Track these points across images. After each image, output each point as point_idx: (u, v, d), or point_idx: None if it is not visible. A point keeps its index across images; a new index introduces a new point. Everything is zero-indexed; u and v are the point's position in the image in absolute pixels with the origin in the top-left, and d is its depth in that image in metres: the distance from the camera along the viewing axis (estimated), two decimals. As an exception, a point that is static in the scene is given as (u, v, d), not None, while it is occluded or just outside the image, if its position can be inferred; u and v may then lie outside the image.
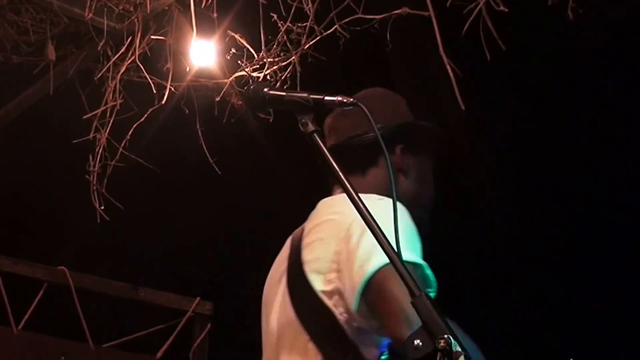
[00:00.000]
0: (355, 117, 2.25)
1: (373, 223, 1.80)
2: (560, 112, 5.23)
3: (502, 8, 3.38)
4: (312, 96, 1.98)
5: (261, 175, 5.66)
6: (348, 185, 1.87)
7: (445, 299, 1.96)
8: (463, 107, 3.25)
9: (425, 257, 2.18)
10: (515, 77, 5.05)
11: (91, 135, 4.49)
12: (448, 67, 3.36)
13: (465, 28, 3.41)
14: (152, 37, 4.41)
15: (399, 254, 1.78)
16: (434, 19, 3.46)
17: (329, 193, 2.45)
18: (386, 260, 1.81)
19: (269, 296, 2.37)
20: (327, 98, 1.97)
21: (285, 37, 4.19)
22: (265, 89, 2.05)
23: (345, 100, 1.95)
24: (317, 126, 1.97)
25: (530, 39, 4.57)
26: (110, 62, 4.44)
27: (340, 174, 1.89)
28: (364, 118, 1.95)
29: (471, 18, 3.41)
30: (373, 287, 2.06)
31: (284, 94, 2.03)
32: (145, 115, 4.42)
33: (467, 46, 3.49)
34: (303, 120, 1.96)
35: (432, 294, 2.07)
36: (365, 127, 2.38)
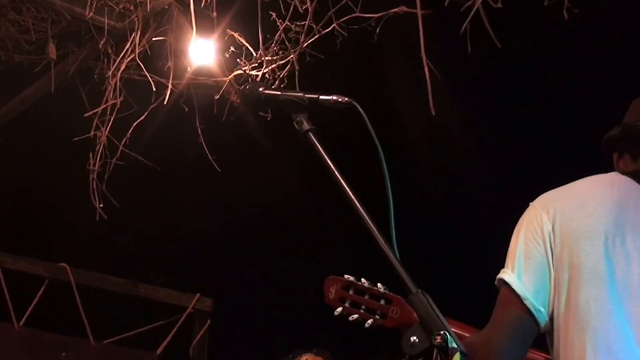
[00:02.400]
0: None
1: (369, 221, 1.84)
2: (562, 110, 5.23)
3: (499, 5, 3.39)
4: (307, 95, 1.98)
5: (260, 172, 5.65)
6: (345, 185, 1.89)
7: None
8: (433, 113, 3.26)
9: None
10: (513, 74, 5.05)
11: (91, 133, 4.49)
12: (426, 68, 3.37)
13: (469, 27, 3.41)
14: (153, 38, 4.42)
15: (393, 250, 1.80)
16: (420, 18, 3.48)
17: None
18: None
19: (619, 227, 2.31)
20: (322, 97, 1.98)
21: (283, 36, 4.20)
22: (261, 89, 2.05)
23: (340, 100, 1.96)
24: (312, 125, 1.97)
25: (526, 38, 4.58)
26: (115, 63, 4.44)
27: (337, 172, 1.90)
28: None
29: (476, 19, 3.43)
30: None
31: (279, 93, 2.03)
32: (146, 114, 4.43)
33: (465, 44, 3.50)
34: (298, 119, 1.97)
35: None
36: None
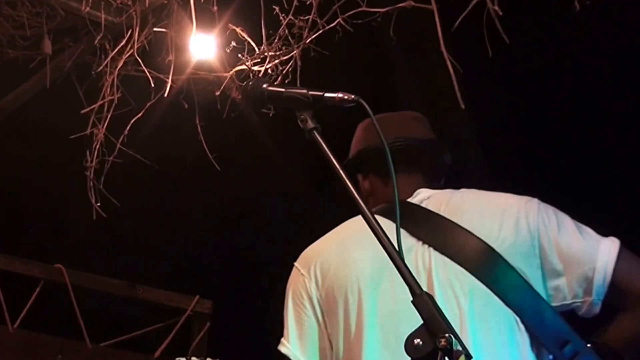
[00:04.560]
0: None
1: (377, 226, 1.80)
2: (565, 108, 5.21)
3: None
4: (311, 92, 1.94)
5: (261, 171, 5.66)
6: (350, 185, 1.85)
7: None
8: (463, 106, 3.20)
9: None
10: (520, 70, 5.02)
11: (88, 131, 4.45)
12: (449, 63, 3.30)
13: (483, 23, 3.34)
14: (153, 29, 4.36)
15: (400, 252, 1.76)
16: (436, 13, 3.40)
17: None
18: None
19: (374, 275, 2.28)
20: (326, 95, 1.93)
21: (286, 31, 4.14)
22: (264, 85, 2.00)
23: (345, 97, 1.91)
24: (317, 123, 1.92)
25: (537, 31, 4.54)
26: (112, 59, 4.39)
27: (342, 172, 1.85)
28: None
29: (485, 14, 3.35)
30: None
31: (283, 90, 1.99)
32: (143, 110, 4.38)
33: (472, 40, 3.44)
34: (302, 117, 1.92)
35: None
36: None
